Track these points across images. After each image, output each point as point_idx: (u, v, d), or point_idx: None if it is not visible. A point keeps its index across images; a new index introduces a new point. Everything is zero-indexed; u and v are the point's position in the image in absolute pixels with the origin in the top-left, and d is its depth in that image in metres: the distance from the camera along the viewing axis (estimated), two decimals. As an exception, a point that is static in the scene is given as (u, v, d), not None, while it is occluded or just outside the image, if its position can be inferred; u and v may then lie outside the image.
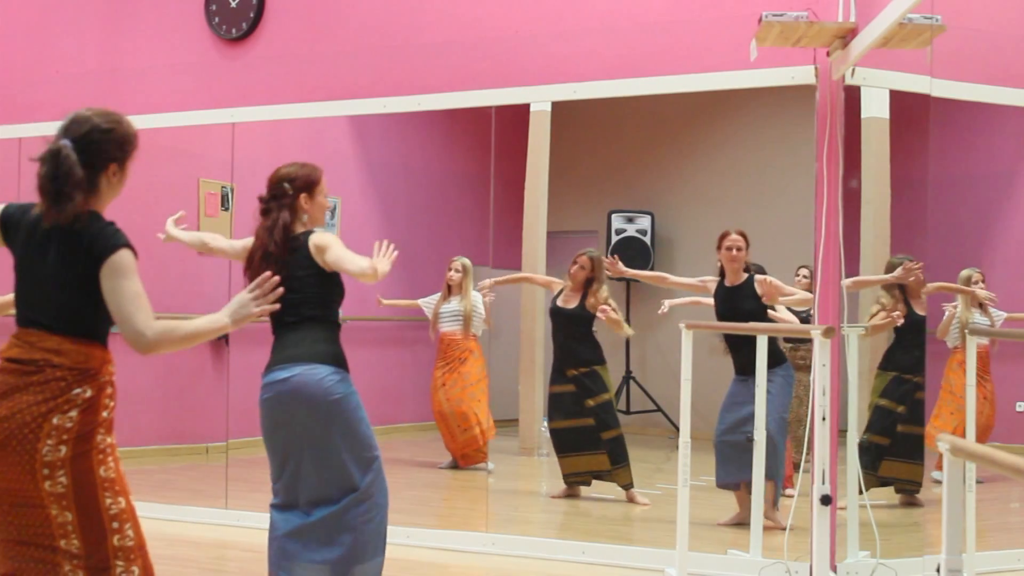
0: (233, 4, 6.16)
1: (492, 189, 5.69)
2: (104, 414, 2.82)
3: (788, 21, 4.31)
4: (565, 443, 6.24)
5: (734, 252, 5.47)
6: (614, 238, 7.62)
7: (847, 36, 4.46)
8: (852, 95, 4.76)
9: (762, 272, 5.83)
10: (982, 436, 4.99)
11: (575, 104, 5.57)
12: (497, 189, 5.73)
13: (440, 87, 5.61)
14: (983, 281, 5.23)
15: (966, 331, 5.05)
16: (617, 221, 7.66)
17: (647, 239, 7.63)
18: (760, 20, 4.32)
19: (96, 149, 2.82)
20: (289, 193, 3.66)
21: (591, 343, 6.32)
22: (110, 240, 2.76)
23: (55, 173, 2.78)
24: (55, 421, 2.71)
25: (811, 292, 6.04)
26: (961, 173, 5.51)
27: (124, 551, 2.80)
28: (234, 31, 6.15)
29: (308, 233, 3.64)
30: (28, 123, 6.51)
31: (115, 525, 2.79)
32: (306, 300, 3.56)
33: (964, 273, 5.26)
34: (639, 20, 5.27)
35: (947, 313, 5.27)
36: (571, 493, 6.26)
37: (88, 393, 2.77)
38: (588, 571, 4.95)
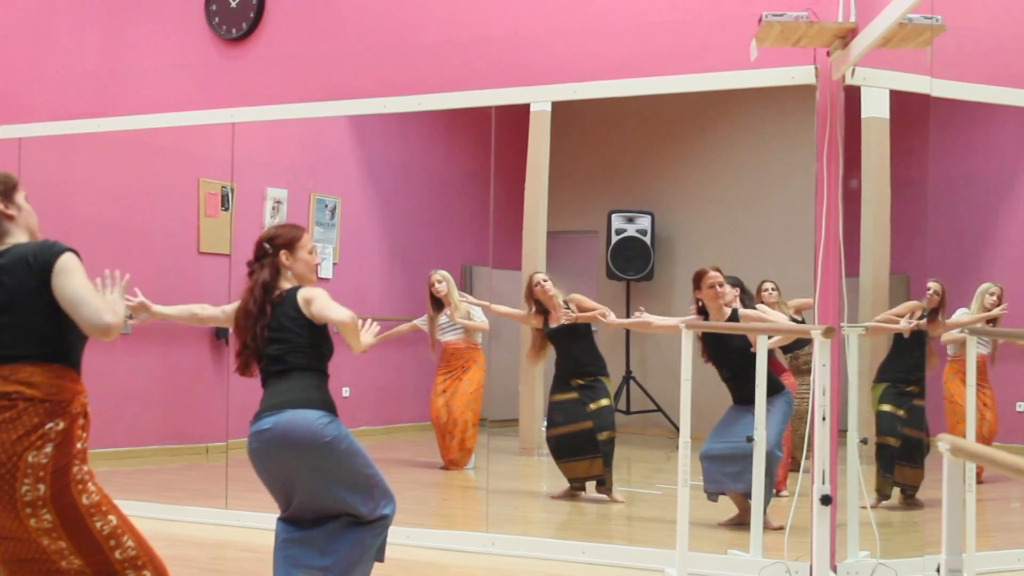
0: (233, 4, 6.16)
1: (492, 189, 5.69)
2: (78, 445, 2.84)
3: (788, 21, 4.31)
4: (564, 449, 6.24)
5: (718, 288, 5.41)
6: (614, 238, 7.62)
7: (847, 36, 4.46)
8: (852, 95, 4.76)
9: (739, 285, 5.81)
10: (986, 442, 4.99)
11: (575, 104, 5.57)
12: (497, 189, 5.73)
13: (440, 87, 5.61)
14: (1000, 296, 5.20)
15: (965, 332, 5.04)
16: (617, 221, 7.65)
17: (647, 239, 7.62)
18: (760, 20, 4.32)
19: None
20: (269, 252, 3.74)
21: (595, 353, 6.33)
22: (53, 248, 2.89)
23: None
24: (30, 459, 2.73)
25: (780, 309, 6.04)
26: (961, 173, 5.51)
27: (130, 561, 2.85)
28: (234, 31, 6.15)
29: (296, 288, 3.70)
30: (28, 123, 6.52)
31: (112, 543, 2.83)
32: (295, 350, 3.60)
33: (982, 287, 5.24)
34: (639, 20, 5.26)
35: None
36: (571, 493, 6.27)
37: (61, 426, 2.79)
38: (588, 571, 4.95)
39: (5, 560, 2.85)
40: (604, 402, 6.26)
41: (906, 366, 5.20)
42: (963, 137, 5.46)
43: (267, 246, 3.76)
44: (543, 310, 6.28)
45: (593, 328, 6.37)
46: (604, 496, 6.20)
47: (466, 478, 7.03)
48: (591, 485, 6.23)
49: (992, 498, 5.15)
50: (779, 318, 5.56)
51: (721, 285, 5.42)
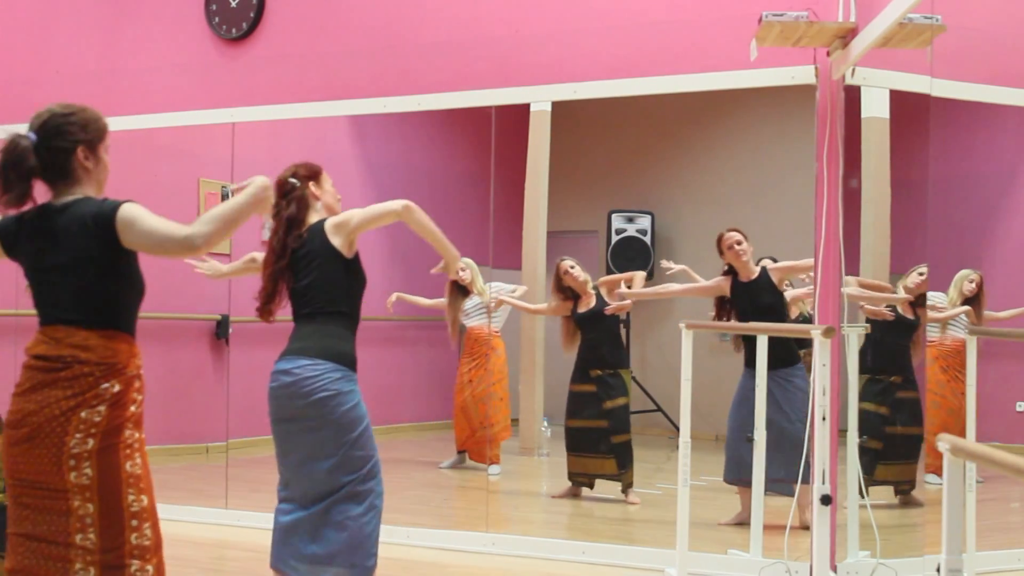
0: (233, 4, 6.16)
1: (492, 189, 5.69)
2: (132, 408, 2.83)
3: (788, 21, 4.31)
4: (576, 442, 6.26)
5: (736, 247, 5.48)
6: (614, 238, 7.62)
7: (847, 36, 4.46)
8: (852, 95, 4.76)
9: (773, 261, 5.83)
10: (963, 435, 4.97)
11: (575, 104, 5.57)
12: (497, 189, 5.73)
13: (440, 87, 5.61)
14: (980, 284, 5.19)
15: (966, 330, 5.03)
16: (617, 221, 7.66)
17: (647, 239, 7.63)
18: (760, 20, 4.32)
19: (57, 132, 2.87)
20: (297, 186, 3.69)
21: (618, 342, 6.37)
22: (110, 204, 2.80)
23: (6, 161, 2.83)
24: (83, 415, 2.73)
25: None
26: (961, 173, 5.51)
27: (140, 550, 2.80)
28: (234, 31, 6.15)
29: (324, 219, 3.64)
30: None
31: (134, 523, 2.79)
32: (323, 289, 3.57)
33: (961, 273, 5.23)
34: (639, 20, 5.27)
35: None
36: (572, 493, 6.27)
37: (116, 388, 2.78)
38: (588, 571, 4.95)
39: (18, 534, 2.81)
40: (621, 401, 6.26)
41: (887, 354, 5.17)
42: (963, 137, 5.46)
43: (293, 180, 3.69)
44: (572, 296, 6.30)
45: (621, 319, 6.40)
46: (620, 496, 6.17)
47: (466, 478, 7.03)
48: (606, 485, 6.21)
49: (992, 498, 5.15)
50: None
51: (739, 243, 5.47)
